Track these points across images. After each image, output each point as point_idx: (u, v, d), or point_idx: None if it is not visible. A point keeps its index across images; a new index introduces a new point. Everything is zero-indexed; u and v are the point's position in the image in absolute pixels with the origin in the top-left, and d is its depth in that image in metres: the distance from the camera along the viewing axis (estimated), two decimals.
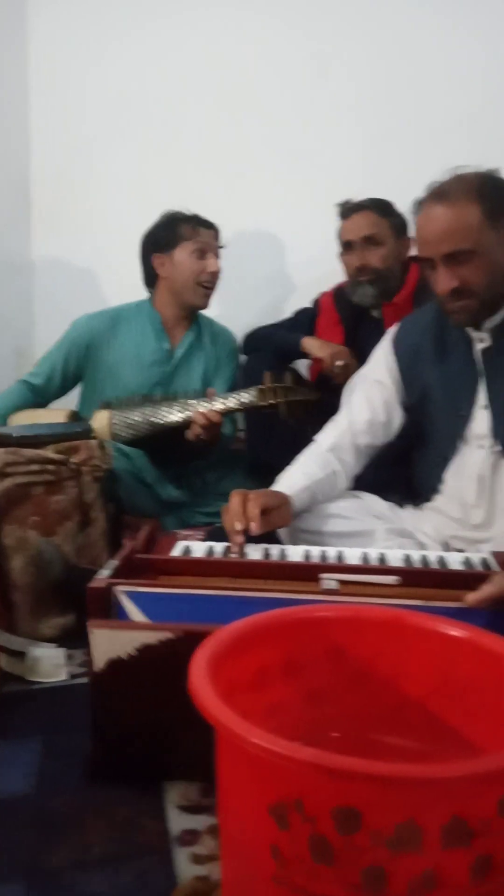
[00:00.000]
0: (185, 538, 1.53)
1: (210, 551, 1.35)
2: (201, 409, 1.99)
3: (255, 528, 1.35)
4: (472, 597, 1.09)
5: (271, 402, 1.97)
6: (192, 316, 2.26)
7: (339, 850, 0.65)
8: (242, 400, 2.01)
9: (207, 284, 2.16)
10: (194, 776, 1.03)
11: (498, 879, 0.68)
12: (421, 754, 0.83)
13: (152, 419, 2.01)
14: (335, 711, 0.85)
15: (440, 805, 0.62)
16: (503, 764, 0.62)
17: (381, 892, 0.65)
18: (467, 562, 1.33)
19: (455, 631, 0.85)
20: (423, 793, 0.62)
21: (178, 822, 0.98)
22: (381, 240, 2.10)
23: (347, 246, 2.13)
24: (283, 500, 1.46)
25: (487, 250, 1.40)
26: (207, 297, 2.18)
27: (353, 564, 1.29)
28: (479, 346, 1.51)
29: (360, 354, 1.92)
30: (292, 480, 1.54)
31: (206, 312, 2.29)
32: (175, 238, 2.14)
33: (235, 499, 1.39)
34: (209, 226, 2.17)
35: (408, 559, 1.33)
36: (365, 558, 1.33)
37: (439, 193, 1.42)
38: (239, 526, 1.35)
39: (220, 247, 2.20)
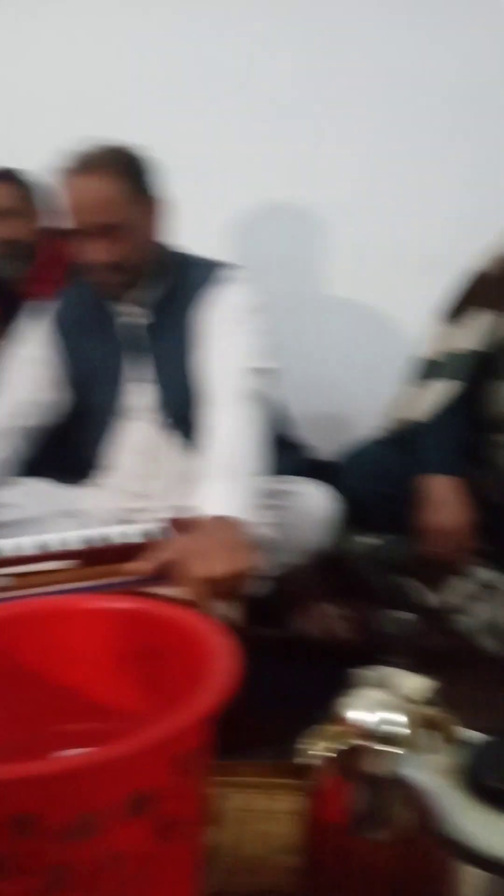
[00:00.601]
0: None
1: None
2: None
3: None
4: (144, 566, 1.10)
5: None
6: None
7: (20, 860, 0.61)
8: None
9: None
10: None
11: (181, 832, 0.70)
12: (107, 735, 0.82)
13: None
14: (11, 714, 0.80)
15: (114, 785, 0.62)
16: (167, 732, 0.63)
17: (69, 886, 0.63)
18: (144, 533, 1.35)
19: (125, 604, 0.85)
20: (95, 779, 0.60)
21: None
22: (23, 211, 2.01)
23: None
24: None
25: (136, 225, 1.42)
26: None
27: (26, 555, 1.24)
28: (142, 322, 1.52)
29: (7, 332, 1.83)
30: None
31: None
32: None
33: None
34: None
35: (87, 539, 1.31)
36: (43, 545, 1.28)
37: (87, 164, 1.39)
38: None
39: None
